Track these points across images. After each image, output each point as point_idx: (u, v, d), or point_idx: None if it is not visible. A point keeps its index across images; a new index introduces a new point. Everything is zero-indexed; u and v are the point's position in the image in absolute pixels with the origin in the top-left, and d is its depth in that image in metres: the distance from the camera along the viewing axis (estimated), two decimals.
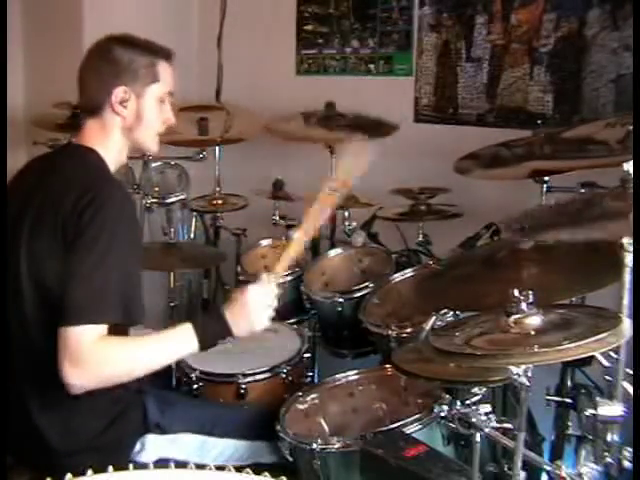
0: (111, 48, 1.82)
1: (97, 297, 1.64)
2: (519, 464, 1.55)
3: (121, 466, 0.99)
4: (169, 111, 1.91)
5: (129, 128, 1.84)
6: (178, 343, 1.75)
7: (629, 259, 1.61)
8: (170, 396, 2.10)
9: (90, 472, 0.97)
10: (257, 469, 1.01)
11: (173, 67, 1.90)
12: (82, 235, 1.66)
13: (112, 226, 1.69)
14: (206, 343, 1.75)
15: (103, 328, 1.64)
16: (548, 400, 1.95)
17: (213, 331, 1.77)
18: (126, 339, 1.73)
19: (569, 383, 2.01)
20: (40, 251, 1.71)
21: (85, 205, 1.67)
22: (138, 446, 1.86)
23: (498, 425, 1.63)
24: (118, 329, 1.70)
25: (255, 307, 1.80)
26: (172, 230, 3.00)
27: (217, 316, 1.79)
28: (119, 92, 1.80)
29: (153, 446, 1.87)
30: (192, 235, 3.45)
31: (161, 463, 1.80)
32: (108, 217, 1.68)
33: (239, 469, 1.01)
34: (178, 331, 1.75)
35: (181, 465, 0.99)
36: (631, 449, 1.64)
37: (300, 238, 1.98)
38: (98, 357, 1.62)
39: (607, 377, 1.74)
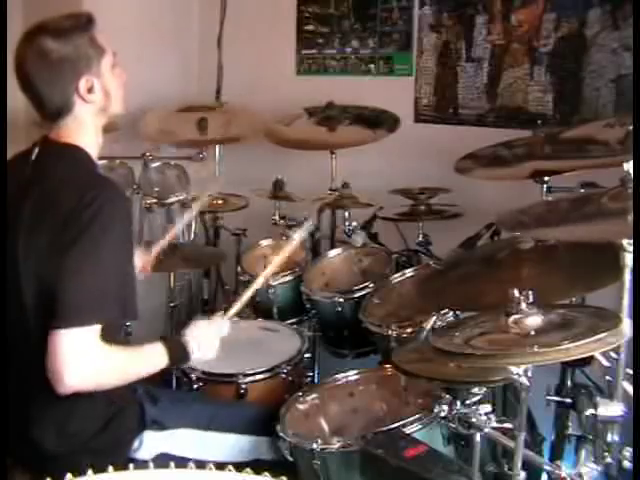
0: (48, 50, 1.74)
1: (93, 299, 1.66)
2: (519, 464, 1.55)
3: (119, 465, 0.99)
4: (118, 68, 1.87)
5: (103, 109, 1.84)
6: (153, 359, 1.82)
7: (629, 259, 1.61)
8: (166, 392, 2.12)
9: (90, 472, 0.97)
10: (257, 469, 1.01)
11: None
12: (81, 235, 1.66)
13: (111, 226, 1.69)
14: (172, 362, 1.84)
15: (98, 328, 1.66)
16: (548, 400, 1.95)
17: (177, 352, 1.86)
18: (116, 349, 1.74)
19: (569, 383, 2.01)
20: (41, 251, 1.70)
21: (86, 205, 1.67)
22: (136, 443, 1.86)
23: (498, 425, 1.63)
24: (109, 328, 1.71)
25: (203, 338, 1.91)
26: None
27: (181, 340, 1.88)
28: (83, 84, 1.78)
29: (151, 443, 1.87)
30: (192, 235, 3.45)
31: (160, 459, 1.81)
32: (107, 217, 1.69)
33: (239, 468, 1.01)
34: (155, 349, 1.82)
35: (181, 465, 0.99)
36: (631, 449, 1.65)
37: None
38: (89, 363, 1.65)
39: (607, 377, 1.74)
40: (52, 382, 1.62)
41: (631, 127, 2.06)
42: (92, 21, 1.82)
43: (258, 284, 2.15)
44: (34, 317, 1.72)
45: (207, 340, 1.92)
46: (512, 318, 1.48)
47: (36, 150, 1.84)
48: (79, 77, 1.77)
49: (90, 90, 1.79)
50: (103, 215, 1.68)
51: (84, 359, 1.63)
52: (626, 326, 1.47)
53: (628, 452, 1.66)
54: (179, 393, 2.22)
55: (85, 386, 1.66)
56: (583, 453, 1.71)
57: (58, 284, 1.65)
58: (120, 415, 1.83)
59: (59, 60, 1.75)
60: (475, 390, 1.69)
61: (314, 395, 2.07)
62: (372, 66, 3.44)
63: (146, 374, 1.81)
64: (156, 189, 3.19)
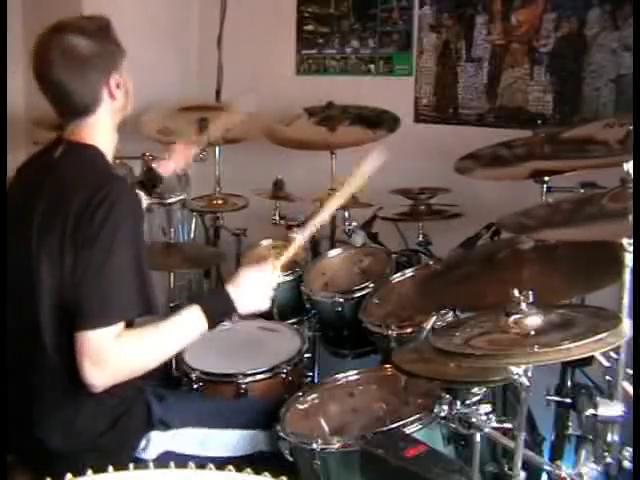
0: (78, 46, 1.75)
1: (116, 298, 1.68)
2: (519, 464, 1.55)
3: (124, 465, 0.99)
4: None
5: (122, 108, 1.86)
6: (189, 327, 1.81)
7: (629, 259, 1.61)
8: (171, 391, 2.12)
9: (90, 472, 0.96)
10: (257, 469, 1.01)
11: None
12: (97, 235, 1.67)
13: (125, 224, 1.71)
14: (214, 322, 1.82)
15: (122, 325, 1.68)
16: (548, 400, 1.95)
17: (220, 309, 1.84)
18: (141, 332, 1.75)
19: (569, 383, 2.01)
20: (54, 251, 1.70)
21: (97, 204, 1.68)
22: (143, 443, 1.86)
23: (498, 425, 1.63)
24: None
25: (256, 285, 1.87)
26: (172, 230, 3.00)
27: (223, 294, 1.84)
28: (112, 79, 1.80)
29: (157, 442, 1.87)
30: (192, 235, 3.45)
31: (164, 457, 1.83)
32: (120, 215, 1.70)
33: (239, 468, 1.01)
34: (188, 315, 1.81)
35: (181, 465, 0.99)
36: (631, 449, 1.65)
37: (301, 239, 2.05)
38: (119, 356, 1.68)
39: (607, 377, 1.74)
40: (84, 381, 1.65)
41: (631, 127, 2.06)
42: (110, 24, 1.84)
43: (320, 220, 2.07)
44: (46, 315, 1.72)
45: (256, 290, 1.87)
46: (512, 318, 1.48)
47: (59, 149, 1.83)
48: (110, 73, 1.80)
49: (118, 87, 1.82)
50: (115, 213, 1.69)
51: (110, 356, 1.66)
52: (626, 326, 1.47)
53: (628, 452, 1.66)
54: (182, 392, 2.23)
55: (116, 380, 1.69)
56: (583, 453, 1.71)
57: (79, 286, 1.66)
58: (128, 414, 1.84)
59: (91, 55, 1.77)
60: (475, 390, 1.69)
61: (314, 395, 2.07)
62: (372, 66, 3.44)
63: (186, 342, 1.83)
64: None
